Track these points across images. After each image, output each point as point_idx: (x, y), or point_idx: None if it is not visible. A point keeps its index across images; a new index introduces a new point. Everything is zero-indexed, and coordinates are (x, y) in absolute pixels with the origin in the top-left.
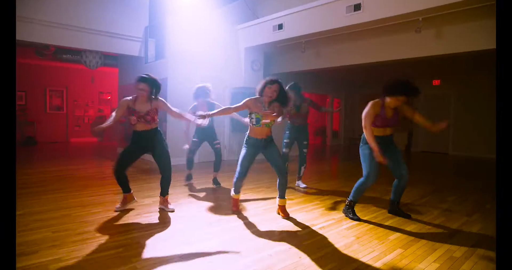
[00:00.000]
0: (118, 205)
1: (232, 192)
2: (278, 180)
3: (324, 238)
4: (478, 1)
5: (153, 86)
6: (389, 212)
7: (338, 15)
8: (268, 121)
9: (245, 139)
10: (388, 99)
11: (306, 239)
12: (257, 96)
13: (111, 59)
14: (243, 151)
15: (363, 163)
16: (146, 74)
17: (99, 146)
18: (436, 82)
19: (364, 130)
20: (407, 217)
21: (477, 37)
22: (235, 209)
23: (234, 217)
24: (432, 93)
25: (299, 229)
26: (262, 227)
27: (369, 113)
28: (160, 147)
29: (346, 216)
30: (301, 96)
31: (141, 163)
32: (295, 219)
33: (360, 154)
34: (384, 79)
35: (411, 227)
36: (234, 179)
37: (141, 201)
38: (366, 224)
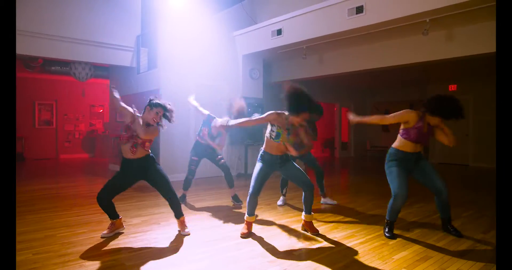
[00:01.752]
0: (104, 232)
1: (246, 214)
2: (304, 195)
3: (323, 258)
4: (489, 0)
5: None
6: (443, 230)
7: (339, 19)
8: (287, 139)
9: (260, 154)
10: (428, 116)
11: (304, 259)
12: (281, 112)
13: (102, 70)
14: (257, 167)
15: (390, 182)
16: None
17: (90, 162)
18: (452, 87)
19: (377, 119)
20: (459, 236)
21: (492, 37)
22: (246, 232)
23: (231, 236)
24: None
25: (297, 248)
26: (258, 247)
27: (401, 115)
28: (153, 174)
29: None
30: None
31: None
32: (295, 238)
33: (386, 171)
34: (394, 85)
35: (419, 245)
36: (248, 198)
37: (129, 221)
38: (370, 242)
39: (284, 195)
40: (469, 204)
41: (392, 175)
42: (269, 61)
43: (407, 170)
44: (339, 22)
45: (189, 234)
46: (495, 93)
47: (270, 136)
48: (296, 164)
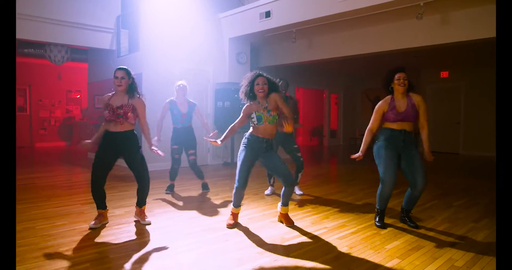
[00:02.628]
0: (92, 223)
1: (232, 205)
2: (283, 189)
3: (313, 249)
4: None
5: (130, 76)
6: (400, 221)
7: (331, 1)
8: (271, 116)
9: (245, 138)
10: (393, 90)
11: (293, 250)
12: (251, 102)
13: (80, 53)
14: (241, 155)
15: (378, 166)
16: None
17: (67, 151)
18: (444, 74)
19: (369, 134)
20: (414, 226)
21: (488, 22)
22: (231, 223)
23: (217, 227)
24: (440, 86)
25: (287, 239)
26: (246, 238)
27: (375, 110)
28: (134, 152)
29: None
30: (284, 96)
31: (115, 169)
32: (284, 228)
33: (374, 153)
34: (384, 70)
35: (411, 235)
36: (234, 190)
37: (111, 212)
38: (362, 232)
39: (272, 185)
40: (461, 193)
41: (380, 159)
42: (257, 45)
43: (395, 151)
44: (330, 5)
45: (149, 224)
46: (487, 81)
47: (253, 123)
48: (279, 156)
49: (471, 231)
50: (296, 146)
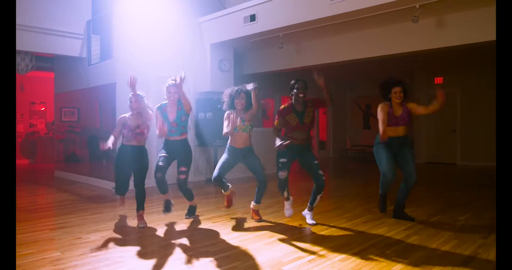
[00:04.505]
0: (141, 224)
1: (222, 191)
2: (257, 187)
3: None
4: None
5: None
6: (393, 216)
7: (321, 4)
8: (244, 125)
9: (226, 147)
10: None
11: None
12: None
13: (45, 61)
14: (223, 156)
15: (378, 163)
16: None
17: (31, 169)
18: (438, 80)
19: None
20: (411, 220)
21: (486, 25)
22: (227, 204)
23: (207, 251)
24: (434, 93)
25: (285, 262)
26: (240, 263)
27: (380, 109)
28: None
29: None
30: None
31: (84, 189)
32: (281, 251)
33: (374, 153)
34: (377, 78)
35: (418, 254)
36: (213, 181)
37: (85, 238)
38: (366, 252)
39: (287, 198)
40: (464, 207)
41: (379, 157)
42: (241, 51)
43: (392, 152)
44: (320, 8)
45: (145, 225)
46: (483, 86)
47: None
48: (258, 158)
49: (481, 248)
50: (317, 162)
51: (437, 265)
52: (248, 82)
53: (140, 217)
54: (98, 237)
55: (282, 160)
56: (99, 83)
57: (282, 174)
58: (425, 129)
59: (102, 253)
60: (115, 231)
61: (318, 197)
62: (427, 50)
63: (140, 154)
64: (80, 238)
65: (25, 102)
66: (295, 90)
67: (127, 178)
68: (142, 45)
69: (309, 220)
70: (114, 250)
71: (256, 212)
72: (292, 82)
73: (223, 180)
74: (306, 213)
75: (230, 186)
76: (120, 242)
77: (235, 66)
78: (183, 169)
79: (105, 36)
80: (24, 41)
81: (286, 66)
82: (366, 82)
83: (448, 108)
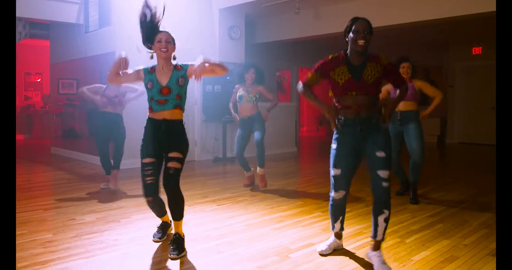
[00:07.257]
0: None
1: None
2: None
3: (325, 262)
4: None
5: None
6: (400, 193)
7: None
8: (249, 97)
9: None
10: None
11: (300, 264)
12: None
13: (40, 28)
14: (237, 132)
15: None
16: None
17: (26, 145)
18: (476, 50)
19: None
20: (415, 203)
21: None
22: (247, 183)
23: (208, 236)
24: (471, 65)
25: (293, 250)
26: (244, 249)
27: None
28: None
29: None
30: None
31: (82, 167)
32: (288, 237)
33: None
34: (405, 48)
35: (443, 243)
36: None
37: (80, 219)
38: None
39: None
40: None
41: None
42: (253, 18)
43: (396, 130)
44: None
45: (114, 188)
46: None
47: (237, 101)
48: (263, 126)
49: None
50: (383, 154)
51: (463, 256)
52: (262, 52)
53: (114, 177)
54: (93, 219)
55: (333, 149)
56: (98, 52)
57: (335, 195)
58: (459, 106)
59: (97, 235)
60: (111, 213)
61: (380, 219)
62: (466, 15)
63: (116, 121)
64: (74, 219)
65: (19, 73)
66: (351, 35)
67: (107, 147)
68: None
69: (379, 267)
70: (110, 233)
71: (261, 177)
72: (349, 22)
73: (244, 158)
74: (371, 254)
75: (251, 169)
76: (116, 225)
77: (246, 34)
78: (174, 154)
79: (103, 1)
80: (17, 6)
81: (303, 34)
82: (393, 52)
83: (486, 81)
